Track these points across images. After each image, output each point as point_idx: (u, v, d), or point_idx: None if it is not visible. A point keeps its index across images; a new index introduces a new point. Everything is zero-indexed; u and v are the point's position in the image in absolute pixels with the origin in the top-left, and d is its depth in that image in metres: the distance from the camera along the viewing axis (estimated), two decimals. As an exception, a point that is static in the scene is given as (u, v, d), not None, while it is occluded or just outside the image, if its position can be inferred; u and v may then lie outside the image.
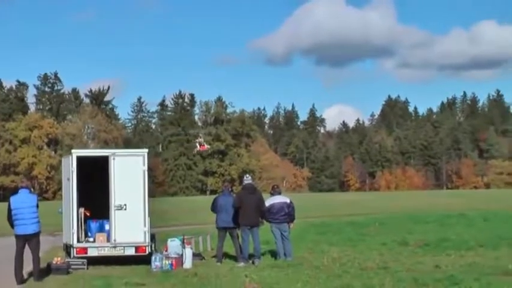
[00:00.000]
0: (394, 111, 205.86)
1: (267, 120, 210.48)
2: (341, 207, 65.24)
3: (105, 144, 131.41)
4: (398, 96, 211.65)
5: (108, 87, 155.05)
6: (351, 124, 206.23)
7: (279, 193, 22.12)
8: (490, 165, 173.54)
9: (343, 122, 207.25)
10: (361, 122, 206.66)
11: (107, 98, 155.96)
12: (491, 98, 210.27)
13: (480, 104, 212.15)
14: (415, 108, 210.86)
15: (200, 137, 58.65)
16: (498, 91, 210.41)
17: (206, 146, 60.43)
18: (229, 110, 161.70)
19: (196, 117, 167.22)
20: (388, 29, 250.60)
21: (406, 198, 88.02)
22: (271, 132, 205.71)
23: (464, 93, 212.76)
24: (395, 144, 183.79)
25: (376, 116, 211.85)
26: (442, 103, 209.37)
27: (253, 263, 20.74)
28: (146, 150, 21.85)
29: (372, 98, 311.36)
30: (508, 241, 25.07)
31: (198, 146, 58.89)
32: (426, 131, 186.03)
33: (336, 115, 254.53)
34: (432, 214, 44.46)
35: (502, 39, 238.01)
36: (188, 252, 20.79)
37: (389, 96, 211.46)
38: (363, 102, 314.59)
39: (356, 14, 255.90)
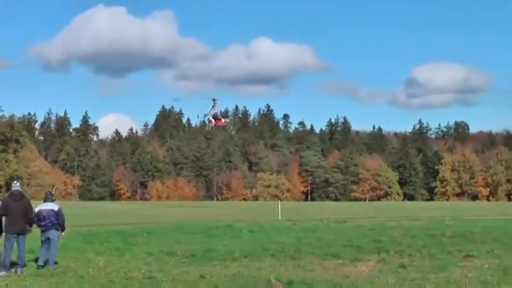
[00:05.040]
0: (168, 121, 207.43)
1: (37, 126, 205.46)
2: (110, 216, 64.64)
3: None
4: (173, 108, 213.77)
5: None
6: (124, 133, 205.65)
7: (52, 200, 21.87)
8: (258, 178, 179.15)
9: (116, 130, 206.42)
10: (134, 131, 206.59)
11: None
12: (261, 112, 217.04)
13: (251, 118, 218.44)
14: (188, 119, 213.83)
15: (214, 108, 43.41)
16: (268, 106, 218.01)
17: (223, 120, 47.06)
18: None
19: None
20: (168, 40, 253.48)
21: (175, 208, 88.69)
22: (42, 138, 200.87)
23: (236, 106, 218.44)
24: (167, 154, 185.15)
25: (150, 126, 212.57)
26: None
27: (15, 271, 20.10)
28: None
29: (147, 108, 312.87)
30: (271, 252, 25.85)
31: (213, 121, 43.49)
32: (199, 143, 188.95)
33: (111, 124, 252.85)
34: (200, 225, 44.97)
35: (276, 57, 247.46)
36: None
37: (163, 107, 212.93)
38: (138, 112, 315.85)
39: (137, 24, 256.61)
